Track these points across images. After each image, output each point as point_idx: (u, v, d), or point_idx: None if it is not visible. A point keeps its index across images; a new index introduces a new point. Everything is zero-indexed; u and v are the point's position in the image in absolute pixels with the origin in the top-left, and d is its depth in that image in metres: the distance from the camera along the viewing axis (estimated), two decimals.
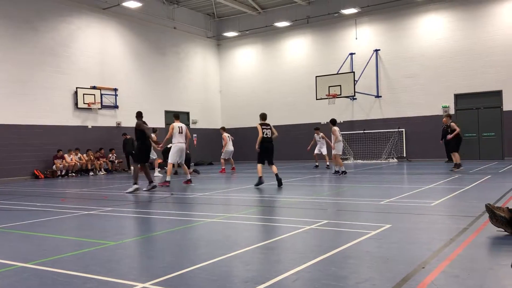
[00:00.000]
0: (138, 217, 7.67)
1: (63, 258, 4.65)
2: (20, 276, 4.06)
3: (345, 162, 19.20)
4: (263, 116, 12.11)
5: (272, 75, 26.64)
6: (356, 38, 23.88)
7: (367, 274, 3.78)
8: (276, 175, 11.41)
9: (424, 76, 22.15)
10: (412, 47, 22.47)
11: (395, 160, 22.44)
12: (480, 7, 20.94)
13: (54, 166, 18.71)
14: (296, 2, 24.81)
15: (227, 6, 25.62)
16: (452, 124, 15.13)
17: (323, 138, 18.81)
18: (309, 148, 19.58)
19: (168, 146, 14.19)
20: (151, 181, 11.41)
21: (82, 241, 5.59)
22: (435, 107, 21.80)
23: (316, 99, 22.29)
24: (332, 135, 14.78)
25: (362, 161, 22.89)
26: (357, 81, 21.75)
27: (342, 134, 16.24)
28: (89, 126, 20.90)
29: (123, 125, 21.96)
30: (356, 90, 21.38)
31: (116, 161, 21.28)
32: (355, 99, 23.44)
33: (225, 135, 18.76)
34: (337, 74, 22.23)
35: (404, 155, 22.49)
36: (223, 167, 18.26)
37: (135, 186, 11.09)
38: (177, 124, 12.80)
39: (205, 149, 25.45)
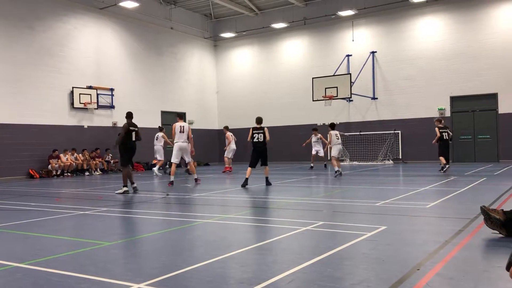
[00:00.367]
0: (133, 218, 7.65)
1: (58, 258, 4.63)
2: (13, 276, 4.03)
3: (341, 163, 19.27)
4: (257, 120, 12.33)
5: (268, 76, 26.66)
6: (353, 40, 23.93)
7: (362, 275, 3.78)
8: (266, 178, 11.95)
9: (420, 79, 22.22)
10: (408, 50, 22.55)
11: (391, 162, 22.49)
12: (476, 10, 21.04)
13: (49, 166, 18.63)
14: (293, 4, 24.84)
15: (224, 7, 25.62)
16: (436, 129, 15.43)
17: (320, 139, 18.90)
18: (304, 144, 20.07)
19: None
20: (124, 185, 11.04)
21: (77, 241, 5.57)
22: (431, 109, 21.87)
23: (313, 101, 22.34)
24: (328, 137, 15.03)
25: (358, 163, 22.92)
26: (353, 83, 21.79)
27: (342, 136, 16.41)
28: (85, 126, 20.84)
29: (119, 125, 21.88)
30: (352, 92, 21.44)
31: (112, 161, 21.22)
32: (352, 100, 23.49)
33: (229, 134, 19.06)
34: (333, 75, 22.28)
35: (400, 157, 22.55)
36: (228, 166, 18.55)
37: (124, 188, 10.97)
38: (178, 124, 12.92)
39: (201, 150, 25.39)
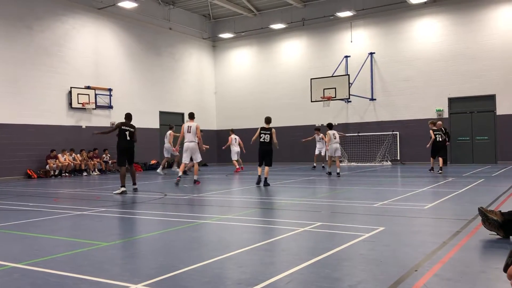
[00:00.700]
0: (131, 218, 7.64)
1: (55, 258, 4.62)
2: (11, 276, 4.02)
3: (340, 164, 19.36)
4: (266, 120, 12.52)
5: (267, 77, 26.67)
6: (351, 41, 23.96)
7: (360, 276, 3.78)
8: (265, 179, 11.98)
9: (418, 80, 22.26)
10: (406, 51, 22.58)
11: (389, 163, 22.52)
12: (475, 12, 21.08)
13: (47, 166, 18.60)
14: (291, 5, 24.86)
15: (223, 8, 25.63)
16: (430, 131, 15.85)
17: (322, 139, 19.03)
18: (304, 140, 20.87)
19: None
20: (122, 185, 11.02)
21: (75, 241, 5.56)
22: (429, 110, 21.90)
23: (311, 101, 22.35)
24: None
25: (356, 164, 22.95)
26: (352, 84, 21.81)
27: (340, 136, 16.61)
28: (83, 126, 20.81)
29: None
30: (351, 93, 21.46)
31: (110, 161, 21.20)
32: (350, 101, 23.51)
33: (231, 136, 19.52)
34: (332, 76, 22.30)
35: (398, 158, 22.57)
36: (237, 167, 19.02)
37: (122, 188, 10.96)
38: (187, 124, 13.07)
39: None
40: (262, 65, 26.93)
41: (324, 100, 21.55)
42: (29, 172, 18.31)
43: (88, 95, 20.58)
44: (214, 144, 27.93)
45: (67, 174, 19.12)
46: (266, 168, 12.13)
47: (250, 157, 22.22)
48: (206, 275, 3.89)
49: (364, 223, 6.33)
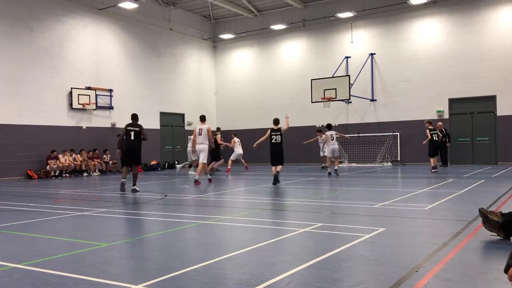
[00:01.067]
0: (131, 219, 7.64)
1: (56, 259, 4.62)
2: (11, 276, 4.02)
3: (340, 165, 19.40)
4: (275, 122, 12.98)
5: (267, 77, 26.67)
6: (352, 42, 23.96)
7: (360, 277, 3.78)
8: (277, 173, 12.45)
9: (419, 81, 22.25)
10: (407, 52, 22.58)
11: (390, 163, 22.51)
12: (475, 12, 21.08)
13: (47, 167, 18.60)
14: (292, 5, 24.87)
15: (223, 8, 25.64)
16: (427, 131, 16.30)
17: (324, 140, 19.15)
18: (306, 142, 21.23)
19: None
20: (134, 184, 11.49)
21: (75, 242, 5.56)
22: (429, 111, 21.89)
23: (312, 102, 22.35)
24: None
25: (356, 165, 22.94)
26: (352, 84, 21.81)
27: (338, 137, 16.68)
28: (84, 127, 20.81)
29: (117, 126, 21.88)
30: (351, 94, 21.46)
31: (110, 162, 21.21)
32: (350, 102, 23.51)
33: (234, 139, 19.87)
34: (332, 77, 22.29)
35: (399, 159, 22.56)
36: (229, 167, 19.24)
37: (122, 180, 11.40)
38: (198, 126, 13.39)
39: None
40: (263, 66, 26.93)
41: (325, 101, 21.54)
42: (29, 172, 18.32)
43: (89, 95, 20.59)
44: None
45: (67, 174, 19.13)
46: (278, 167, 12.59)
47: (255, 158, 22.25)
48: (206, 275, 3.89)
49: (364, 224, 6.33)
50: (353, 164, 23.13)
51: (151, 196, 10.64)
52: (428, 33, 22.14)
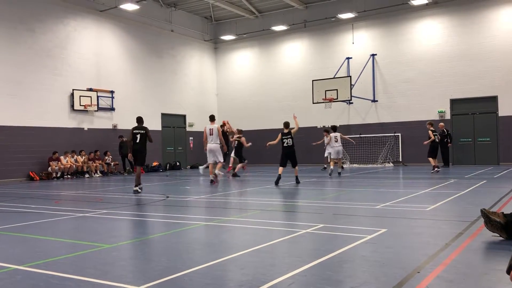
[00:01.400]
0: (133, 220, 7.64)
1: (57, 260, 4.62)
2: (13, 278, 4.03)
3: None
4: (285, 125, 13.38)
5: (268, 78, 26.67)
6: (353, 43, 23.96)
7: (362, 278, 3.78)
8: (296, 177, 13.09)
9: (420, 81, 22.23)
10: (408, 52, 22.57)
11: (391, 164, 22.48)
12: (476, 13, 21.06)
13: (49, 168, 18.63)
14: (293, 6, 24.88)
15: (224, 10, 25.66)
16: (429, 132, 16.54)
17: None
18: (315, 143, 21.48)
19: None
20: (137, 184, 11.59)
21: (77, 243, 5.56)
22: (431, 112, 21.87)
23: (313, 103, 22.35)
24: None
25: (358, 165, 22.92)
26: (353, 85, 21.81)
27: (343, 140, 16.90)
28: (85, 128, 20.84)
29: (119, 127, 21.92)
30: (352, 95, 21.45)
31: (112, 163, 21.22)
32: (352, 103, 23.50)
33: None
34: (333, 78, 22.28)
35: (400, 160, 22.54)
36: (230, 165, 18.99)
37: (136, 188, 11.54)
38: (208, 126, 13.56)
39: (202, 152, 25.39)
40: (264, 67, 26.94)
41: (326, 102, 21.54)
42: (31, 174, 18.35)
43: (90, 97, 20.62)
44: None
45: (69, 176, 19.15)
46: (295, 168, 13.13)
47: (255, 159, 22.21)
48: (208, 277, 3.89)
49: (366, 225, 6.32)
50: (354, 165, 23.11)
51: (152, 197, 10.64)
52: (429, 34, 22.13)
